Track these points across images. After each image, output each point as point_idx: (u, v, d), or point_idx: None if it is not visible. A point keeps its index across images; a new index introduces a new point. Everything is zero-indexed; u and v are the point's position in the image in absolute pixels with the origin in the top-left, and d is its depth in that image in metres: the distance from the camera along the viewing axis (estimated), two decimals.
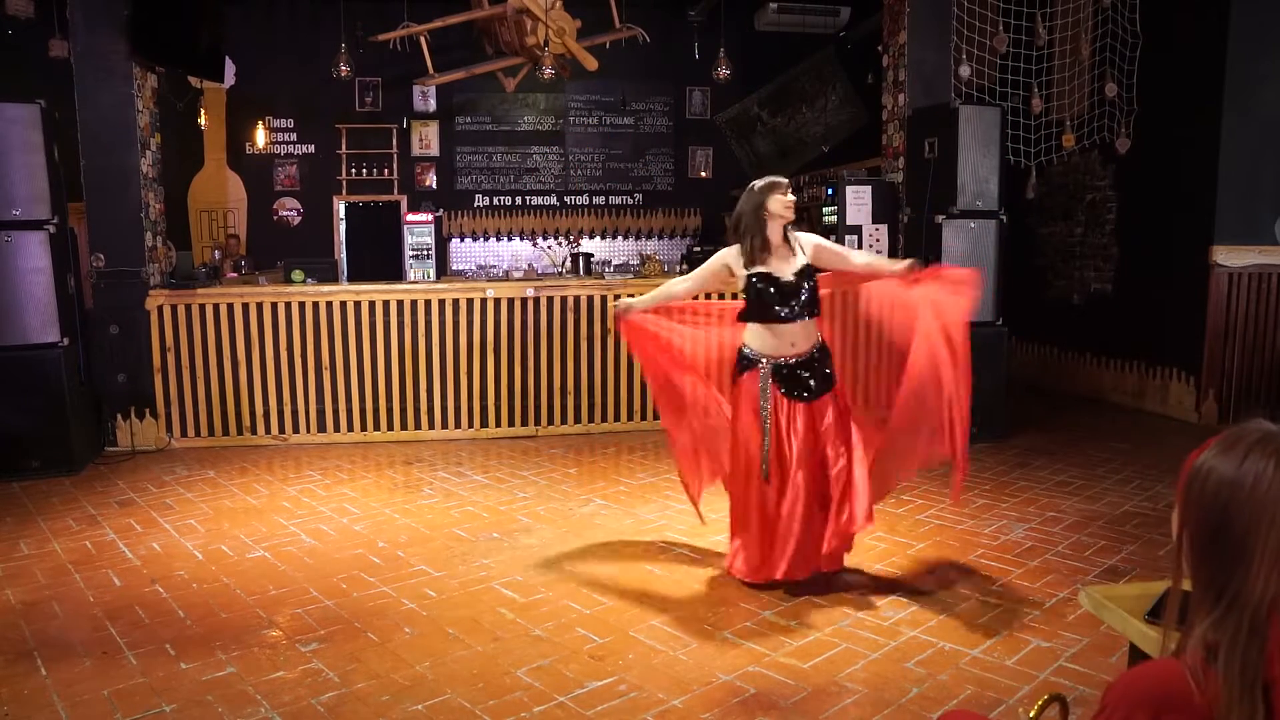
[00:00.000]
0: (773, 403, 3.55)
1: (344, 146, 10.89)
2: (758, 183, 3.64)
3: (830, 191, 6.94)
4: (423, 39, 8.12)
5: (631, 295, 6.35)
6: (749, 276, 3.59)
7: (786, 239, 3.66)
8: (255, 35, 10.08)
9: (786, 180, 3.66)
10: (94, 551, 4.10)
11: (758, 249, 3.59)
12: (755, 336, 3.63)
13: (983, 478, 5.16)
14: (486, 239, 11.29)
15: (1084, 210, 7.54)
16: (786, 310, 3.56)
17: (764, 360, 3.59)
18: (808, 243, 3.71)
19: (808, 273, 3.61)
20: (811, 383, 3.59)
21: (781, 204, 3.56)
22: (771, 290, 3.56)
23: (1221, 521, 1.09)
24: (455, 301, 6.24)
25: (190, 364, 6.00)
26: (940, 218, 5.91)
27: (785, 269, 3.59)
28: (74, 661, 3.00)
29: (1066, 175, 7.68)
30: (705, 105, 11.77)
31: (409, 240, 6.61)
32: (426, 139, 11.17)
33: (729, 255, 3.69)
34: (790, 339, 3.58)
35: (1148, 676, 1.13)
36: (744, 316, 3.67)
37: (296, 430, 6.16)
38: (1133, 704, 1.09)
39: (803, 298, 3.57)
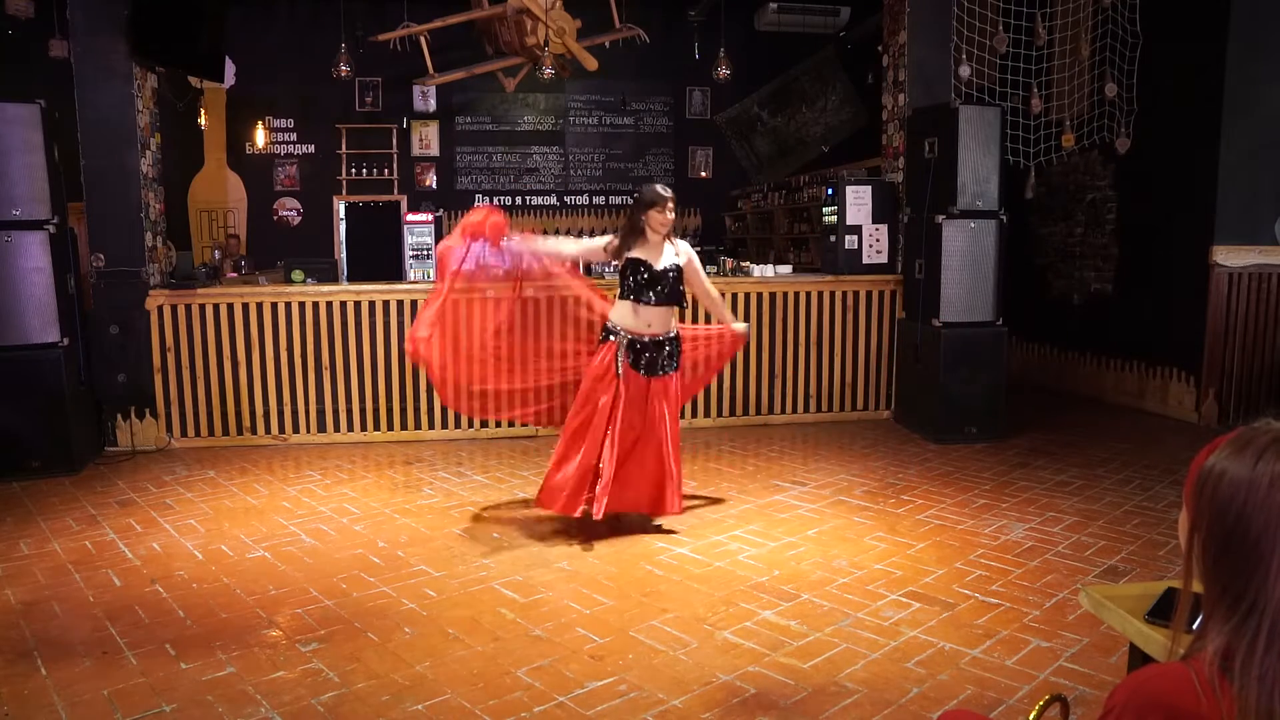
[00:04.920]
0: (623, 369, 4.15)
1: (344, 146, 10.89)
2: (651, 188, 4.24)
3: (830, 191, 6.94)
4: (423, 39, 8.12)
5: None
6: (629, 259, 4.20)
7: (668, 238, 4.28)
8: (255, 35, 10.08)
9: (669, 198, 4.21)
10: (94, 551, 4.09)
11: (625, 238, 4.24)
12: (619, 313, 4.24)
13: (983, 478, 5.16)
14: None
15: (1084, 210, 7.55)
16: (651, 296, 4.17)
17: (622, 334, 4.18)
18: (684, 250, 4.35)
19: (675, 269, 4.22)
20: (654, 361, 4.20)
21: (658, 220, 4.19)
22: (643, 275, 4.18)
23: (1236, 524, 1.07)
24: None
25: (190, 364, 6.00)
26: (940, 218, 5.91)
27: (659, 261, 4.20)
28: (74, 661, 3.00)
29: (1066, 175, 7.69)
30: (705, 105, 11.77)
31: (409, 240, 6.61)
32: (426, 139, 11.18)
33: (605, 242, 4.33)
34: (648, 320, 4.19)
35: (1155, 681, 1.11)
36: (621, 295, 4.24)
37: (296, 430, 6.16)
38: (1140, 708, 1.08)
39: (665, 289, 4.19)
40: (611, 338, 4.21)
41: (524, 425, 5.43)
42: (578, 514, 4.22)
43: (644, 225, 4.20)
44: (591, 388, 4.19)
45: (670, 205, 4.19)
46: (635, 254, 4.20)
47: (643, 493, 4.28)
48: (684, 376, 4.44)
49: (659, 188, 4.23)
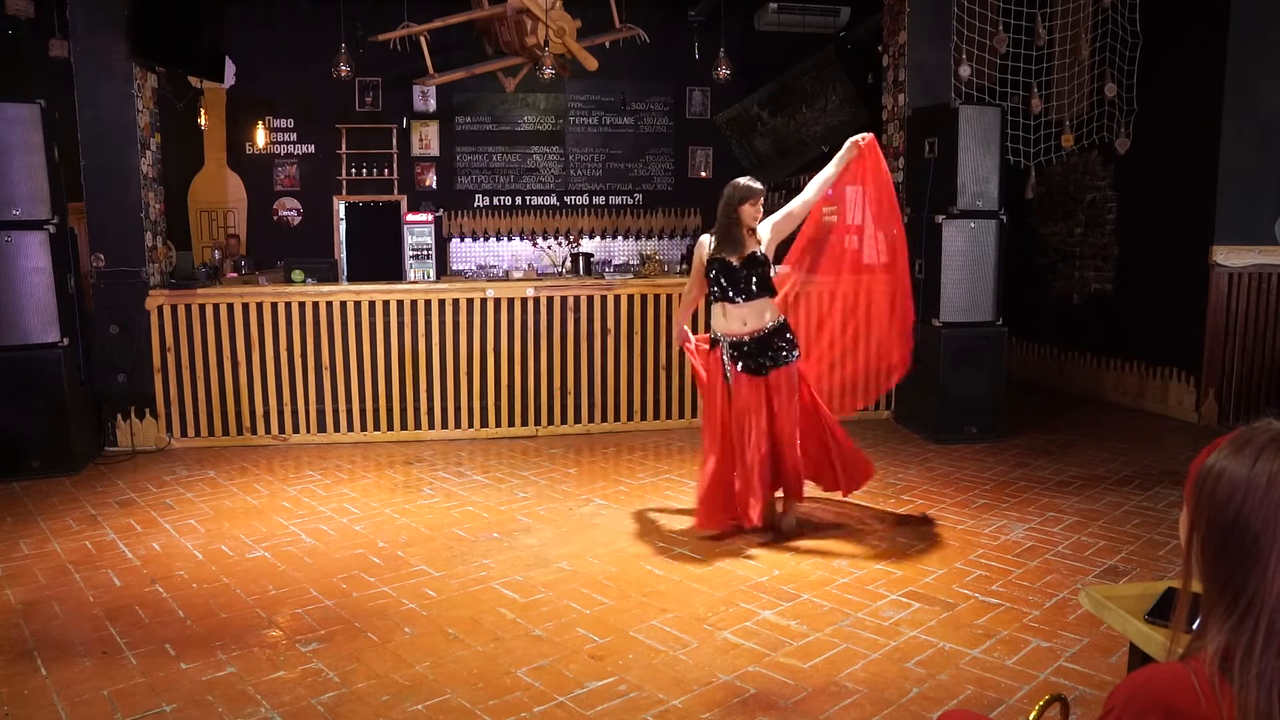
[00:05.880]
0: (731, 375, 4.09)
1: (344, 146, 10.88)
2: (740, 184, 4.12)
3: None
4: (423, 39, 8.12)
5: (631, 295, 6.37)
6: (709, 262, 4.12)
7: (752, 232, 4.13)
8: (255, 35, 10.07)
9: (763, 191, 4.14)
10: (94, 551, 4.10)
11: (722, 239, 4.11)
12: (715, 319, 4.18)
13: (983, 478, 5.16)
14: (486, 239, 11.29)
15: (1084, 210, 7.54)
16: (736, 294, 4.07)
17: (722, 337, 4.12)
18: (764, 231, 4.16)
19: (756, 260, 4.07)
20: (762, 358, 4.07)
21: (750, 214, 4.08)
22: (723, 276, 4.09)
23: (1235, 524, 1.07)
24: (455, 301, 6.24)
25: (190, 364, 6.00)
26: (940, 218, 5.91)
27: (737, 257, 4.08)
28: (74, 661, 3.00)
29: (1066, 175, 7.68)
30: (705, 105, 11.76)
31: (409, 240, 6.61)
32: (426, 139, 11.17)
33: (701, 249, 4.22)
34: (741, 319, 4.08)
35: (1155, 681, 1.11)
36: (710, 299, 4.21)
37: (296, 430, 6.16)
38: (1140, 708, 1.08)
39: (751, 283, 4.06)
40: (716, 346, 4.15)
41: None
42: (727, 528, 4.19)
43: (739, 222, 4.06)
44: (707, 397, 4.21)
45: (761, 201, 4.08)
46: (717, 254, 4.09)
47: (798, 484, 4.26)
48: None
49: (749, 181, 4.11)
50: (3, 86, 6.28)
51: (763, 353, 4.07)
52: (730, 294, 4.07)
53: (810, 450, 4.23)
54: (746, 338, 4.07)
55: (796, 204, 4.26)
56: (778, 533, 4.23)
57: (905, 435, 6.23)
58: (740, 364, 4.08)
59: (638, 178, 11.71)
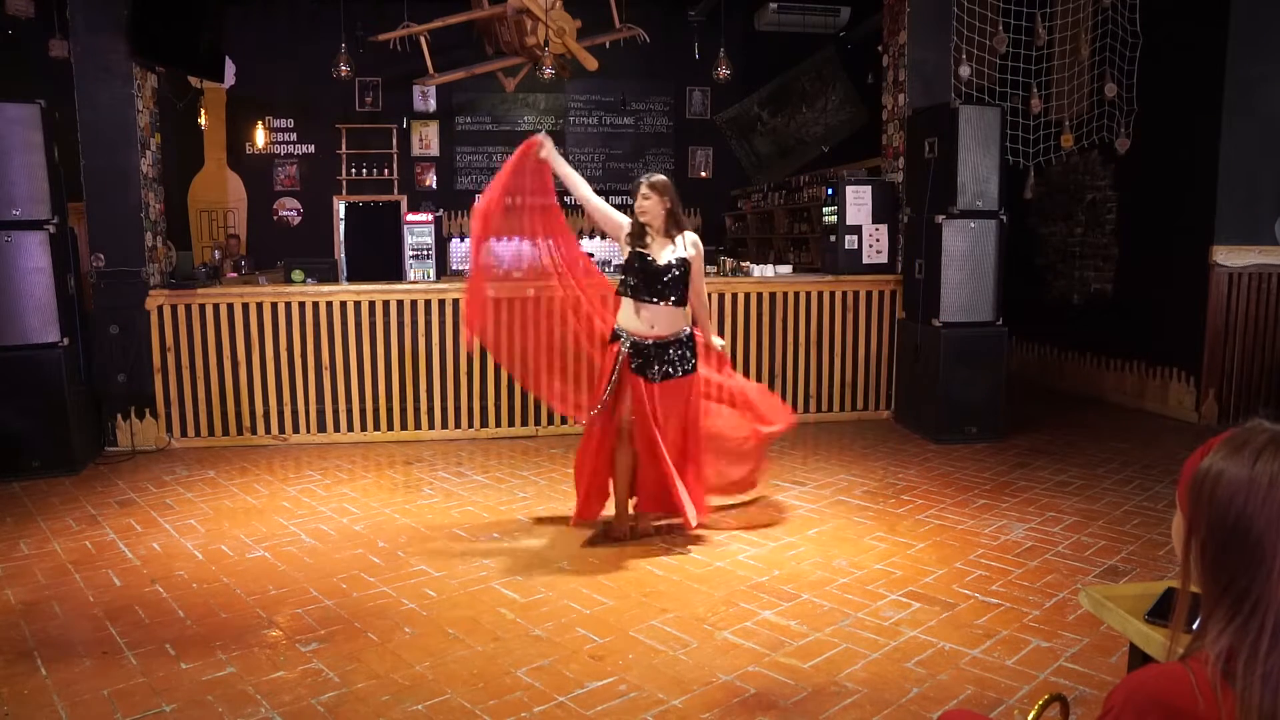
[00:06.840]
0: (629, 374, 3.96)
1: (344, 146, 10.90)
2: None
3: (830, 191, 6.94)
4: (423, 39, 8.13)
5: None
6: (631, 251, 4.00)
7: (670, 233, 4.02)
8: (255, 35, 10.09)
9: (641, 183, 4.03)
10: (94, 551, 4.10)
11: (638, 233, 4.02)
12: (624, 313, 4.04)
13: (983, 478, 5.16)
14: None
15: (1084, 210, 7.55)
16: (652, 295, 3.94)
17: (625, 336, 3.99)
18: (690, 242, 4.06)
19: (679, 265, 3.97)
20: (660, 365, 3.96)
21: (639, 208, 4.01)
22: (643, 270, 3.96)
23: (1237, 525, 1.07)
24: (455, 301, 6.24)
25: (190, 364, 6.00)
26: (940, 218, 5.91)
27: (661, 256, 3.98)
28: (74, 661, 3.00)
29: (1066, 175, 7.69)
30: (705, 105, 11.78)
31: (409, 240, 6.61)
32: (426, 139, 11.19)
33: (629, 223, 4.06)
34: (650, 321, 3.96)
35: (1154, 681, 1.11)
36: (620, 290, 4.06)
37: (296, 430, 6.16)
38: (1139, 708, 1.08)
39: (669, 285, 3.94)
40: (616, 341, 4.02)
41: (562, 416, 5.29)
42: (597, 519, 4.26)
43: (638, 218, 4.01)
44: (601, 392, 4.03)
45: (641, 191, 3.97)
46: (639, 248, 3.98)
47: (661, 499, 4.14)
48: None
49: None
50: (3, 86, 6.28)
51: (661, 360, 3.96)
52: (645, 293, 3.94)
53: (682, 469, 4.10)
54: (651, 340, 3.95)
55: (700, 285, 4.14)
56: (632, 533, 4.21)
57: (905, 435, 6.23)
58: (636, 366, 3.95)
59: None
